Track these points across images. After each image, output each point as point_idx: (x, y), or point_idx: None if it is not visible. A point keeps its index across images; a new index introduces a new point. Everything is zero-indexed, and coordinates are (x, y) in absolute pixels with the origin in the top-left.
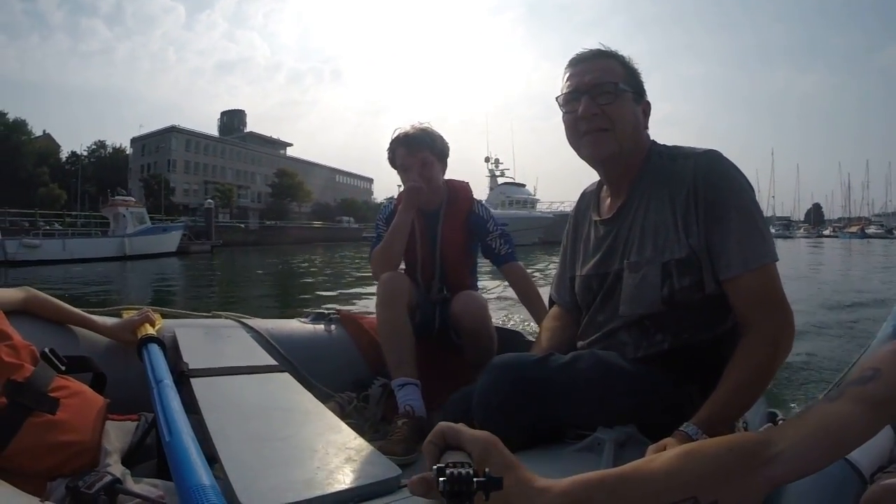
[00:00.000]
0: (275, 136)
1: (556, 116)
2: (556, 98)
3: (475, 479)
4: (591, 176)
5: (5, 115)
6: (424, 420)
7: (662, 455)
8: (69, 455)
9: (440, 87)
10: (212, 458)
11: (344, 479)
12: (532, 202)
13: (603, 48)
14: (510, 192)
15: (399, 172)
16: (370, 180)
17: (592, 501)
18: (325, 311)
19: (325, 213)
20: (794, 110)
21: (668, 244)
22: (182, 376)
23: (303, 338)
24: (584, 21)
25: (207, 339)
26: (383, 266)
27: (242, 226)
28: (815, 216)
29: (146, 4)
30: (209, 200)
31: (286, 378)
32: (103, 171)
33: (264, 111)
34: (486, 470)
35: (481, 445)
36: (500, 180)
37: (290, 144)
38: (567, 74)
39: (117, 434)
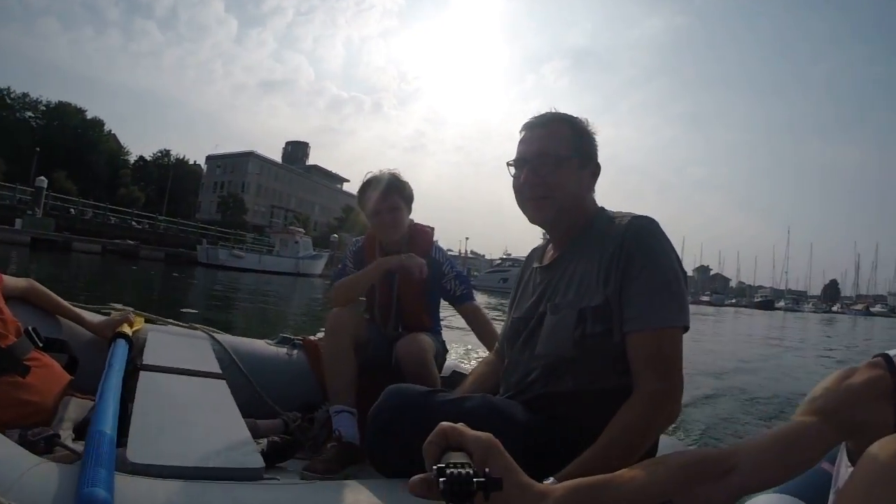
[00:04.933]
0: (334, 171)
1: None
2: (507, 163)
3: (475, 480)
4: None
5: (84, 111)
6: (355, 446)
7: (638, 465)
8: (27, 412)
9: (478, 131)
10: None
11: (212, 460)
12: None
13: (556, 113)
14: None
15: (369, 216)
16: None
17: None
18: (291, 337)
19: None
20: (838, 183)
21: (588, 292)
22: (135, 369)
23: (264, 357)
24: (626, 79)
25: (174, 343)
26: (342, 301)
27: None
28: (831, 292)
29: (201, 13)
30: (334, 235)
31: (220, 385)
32: (168, 179)
33: (300, 134)
34: (486, 470)
35: (482, 446)
36: None
37: (348, 180)
38: (519, 138)
39: (75, 407)
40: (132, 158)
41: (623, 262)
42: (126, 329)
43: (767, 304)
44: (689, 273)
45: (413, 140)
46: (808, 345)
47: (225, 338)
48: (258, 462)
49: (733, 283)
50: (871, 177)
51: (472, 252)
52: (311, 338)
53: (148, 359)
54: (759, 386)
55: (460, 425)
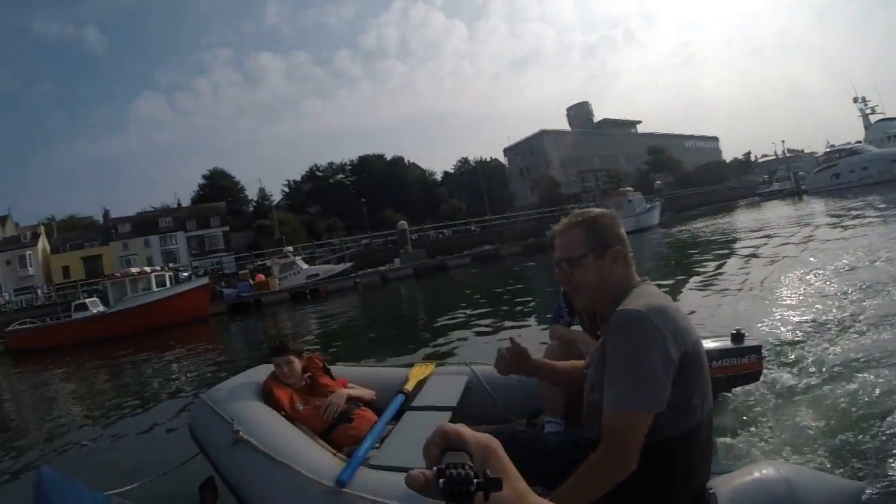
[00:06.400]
0: (623, 118)
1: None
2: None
3: (475, 481)
4: None
5: (382, 155)
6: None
7: None
8: (353, 440)
9: (744, 14)
10: None
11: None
12: None
13: (573, 216)
14: (888, 128)
15: None
16: (715, 139)
17: None
18: None
19: (687, 181)
20: None
21: (600, 371)
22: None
23: (508, 379)
24: None
25: (440, 384)
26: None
27: None
28: None
29: (427, 31)
30: (658, 182)
31: (444, 416)
32: (478, 182)
33: (568, 93)
34: (486, 471)
35: (483, 448)
36: (873, 118)
37: (640, 122)
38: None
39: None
40: (438, 177)
41: (606, 350)
42: (409, 384)
43: None
44: None
45: (679, 54)
46: None
47: (482, 368)
48: None
49: None
50: None
51: (788, 151)
52: None
53: (415, 401)
54: None
55: (460, 426)
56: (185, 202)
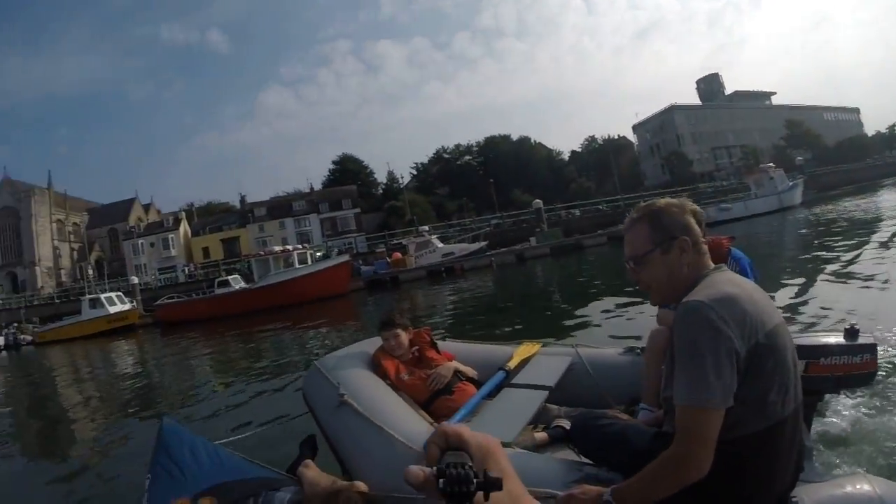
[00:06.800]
0: (755, 90)
1: None
2: None
3: (475, 480)
4: None
5: (508, 136)
6: None
7: None
8: (452, 412)
9: None
10: None
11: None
12: None
13: (638, 211)
14: None
15: None
16: (855, 110)
17: None
18: (635, 346)
19: (826, 157)
20: None
21: (670, 365)
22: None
23: (612, 363)
24: None
25: (543, 363)
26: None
27: None
28: None
29: (544, 7)
30: (799, 158)
31: (539, 395)
32: (607, 160)
33: (694, 64)
34: (486, 472)
35: (483, 448)
36: None
37: (774, 93)
38: None
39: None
40: (566, 156)
41: (673, 344)
42: (512, 362)
43: None
44: None
45: (811, 17)
46: None
47: (588, 351)
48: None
49: None
50: None
51: None
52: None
53: (515, 378)
54: None
55: (460, 426)
56: (317, 186)
